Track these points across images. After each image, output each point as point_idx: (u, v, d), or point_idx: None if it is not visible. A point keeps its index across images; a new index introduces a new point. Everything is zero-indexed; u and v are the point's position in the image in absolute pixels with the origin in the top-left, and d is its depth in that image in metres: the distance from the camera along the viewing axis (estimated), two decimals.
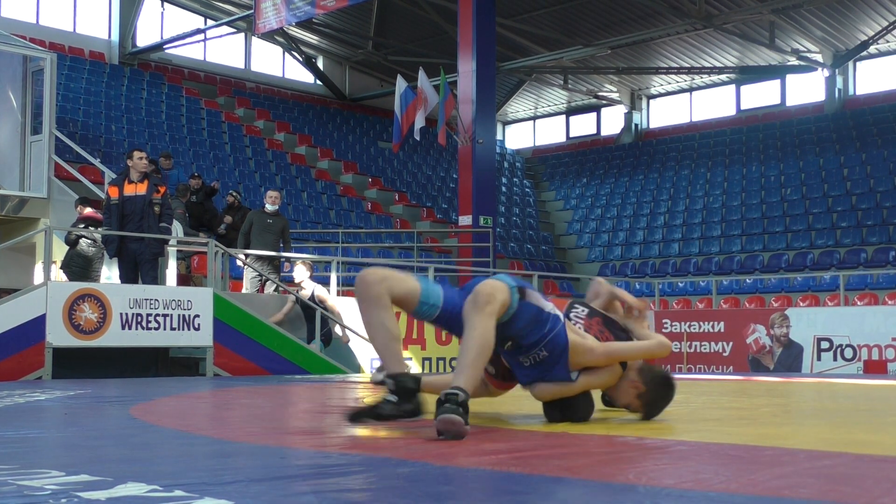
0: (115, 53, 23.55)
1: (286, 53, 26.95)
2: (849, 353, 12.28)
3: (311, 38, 26.28)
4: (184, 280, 12.45)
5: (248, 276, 11.81)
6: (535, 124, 30.51)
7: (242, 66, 26.38)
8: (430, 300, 3.62)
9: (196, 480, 2.20)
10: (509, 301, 3.54)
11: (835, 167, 21.60)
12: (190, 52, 25.32)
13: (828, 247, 18.91)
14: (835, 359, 12.38)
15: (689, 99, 27.12)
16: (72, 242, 10.40)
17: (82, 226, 10.46)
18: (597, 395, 4.10)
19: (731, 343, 13.47)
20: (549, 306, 3.74)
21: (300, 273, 10.80)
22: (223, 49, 26.04)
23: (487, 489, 2.13)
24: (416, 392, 3.41)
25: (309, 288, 10.65)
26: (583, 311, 4.03)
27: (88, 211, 10.85)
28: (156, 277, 9.79)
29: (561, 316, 3.77)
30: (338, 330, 10.70)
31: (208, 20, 24.99)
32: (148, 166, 9.89)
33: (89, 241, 10.38)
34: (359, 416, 3.43)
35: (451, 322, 3.69)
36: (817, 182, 21.36)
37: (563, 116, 29.80)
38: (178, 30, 24.48)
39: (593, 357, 3.76)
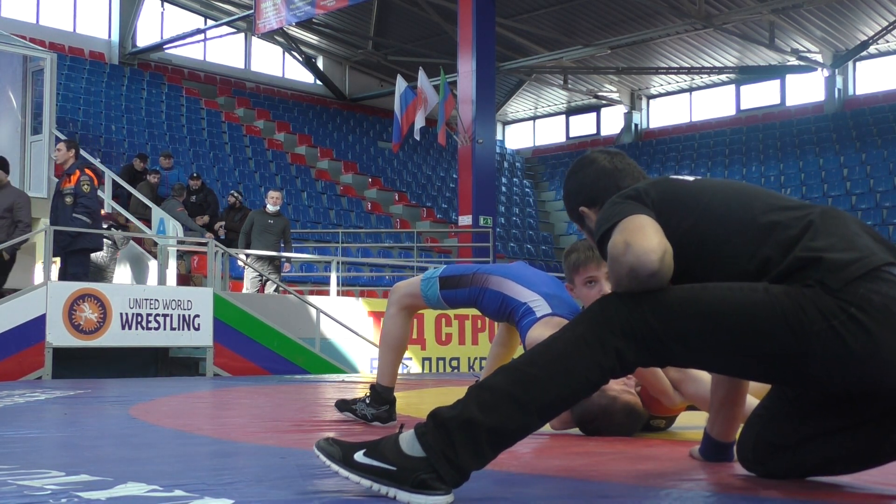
0: (115, 53, 23.52)
1: (286, 53, 26.94)
2: None
3: (311, 38, 26.28)
4: (184, 280, 12.44)
5: (249, 276, 11.81)
6: (534, 124, 30.50)
7: (242, 66, 26.36)
8: (427, 275, 3.68)
9: (196, 480, 2.20)
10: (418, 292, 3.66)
11: (834, 167, 21.60)
12: (190, 52, 25.30)
13: None
14: None
15: (688, 99, 27.12)
16: None
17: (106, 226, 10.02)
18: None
19: None
20: (527, 296, 3.46)
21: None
22: (223, 49, 26.02)
23: (488, 489, 2.13)
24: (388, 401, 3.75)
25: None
26: None
27: (103, 211, 10.68)
28: (76, 274, 8.98)
29: (537, 310, 3.40)
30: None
31: (208, 20, 24.97)
32: (64, 158, 9.15)
33: (100, 252, 9.95)
34: (342, 406, 3.89)
35: (465, 294, 3.58)
36: (817, 182, 21.35)
37: (563, 116, 29.79)
38: (178, 30, 24.46)
39: None
